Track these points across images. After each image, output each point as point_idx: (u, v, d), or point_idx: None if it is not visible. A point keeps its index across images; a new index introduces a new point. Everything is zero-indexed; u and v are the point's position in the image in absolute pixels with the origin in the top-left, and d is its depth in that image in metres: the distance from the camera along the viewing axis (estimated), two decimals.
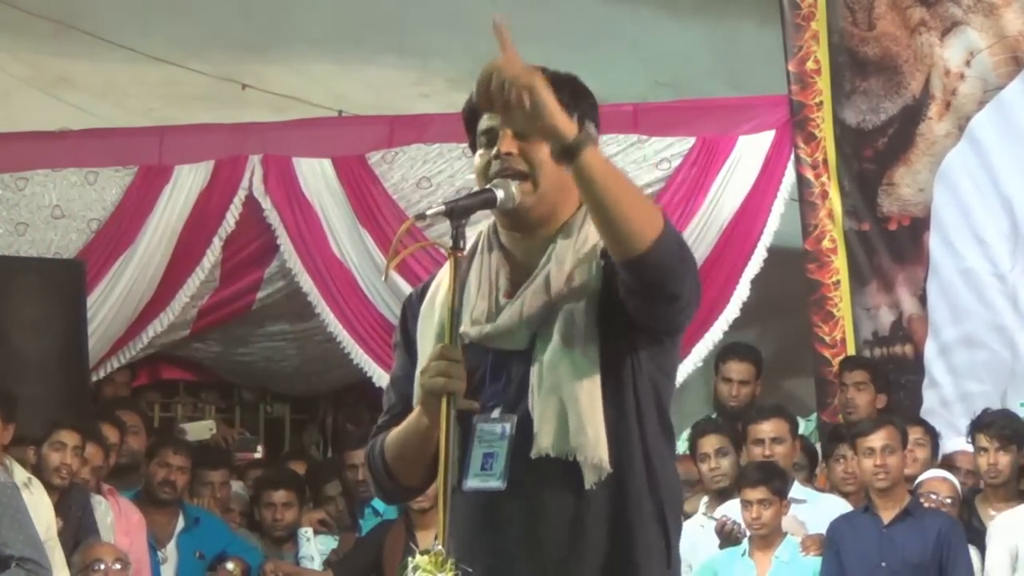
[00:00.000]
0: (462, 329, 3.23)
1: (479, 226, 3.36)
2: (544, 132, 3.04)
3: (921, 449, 7.41)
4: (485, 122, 3.27)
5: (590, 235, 3.23)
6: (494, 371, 3.26)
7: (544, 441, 3.17)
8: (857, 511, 7.05)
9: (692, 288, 3.15)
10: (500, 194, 3.19)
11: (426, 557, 3.01)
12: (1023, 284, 8.11)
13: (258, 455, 9.49)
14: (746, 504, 6.88)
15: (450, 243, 3.16)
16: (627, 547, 3.19)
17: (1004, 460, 7.14)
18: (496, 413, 3.22)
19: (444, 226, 3.20)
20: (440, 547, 3.02)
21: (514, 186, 3.20)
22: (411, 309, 3.42)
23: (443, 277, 3.28)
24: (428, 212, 3.17)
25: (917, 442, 7.36)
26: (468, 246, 3.26)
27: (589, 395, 3.16)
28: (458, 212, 3.16)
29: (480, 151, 3.29)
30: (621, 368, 3.21)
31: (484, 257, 3.32)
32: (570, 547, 3.17)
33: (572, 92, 3.25)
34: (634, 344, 3.22)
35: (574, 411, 3.16)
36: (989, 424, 7.20)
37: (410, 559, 3.03)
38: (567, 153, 3.03)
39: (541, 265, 3.24)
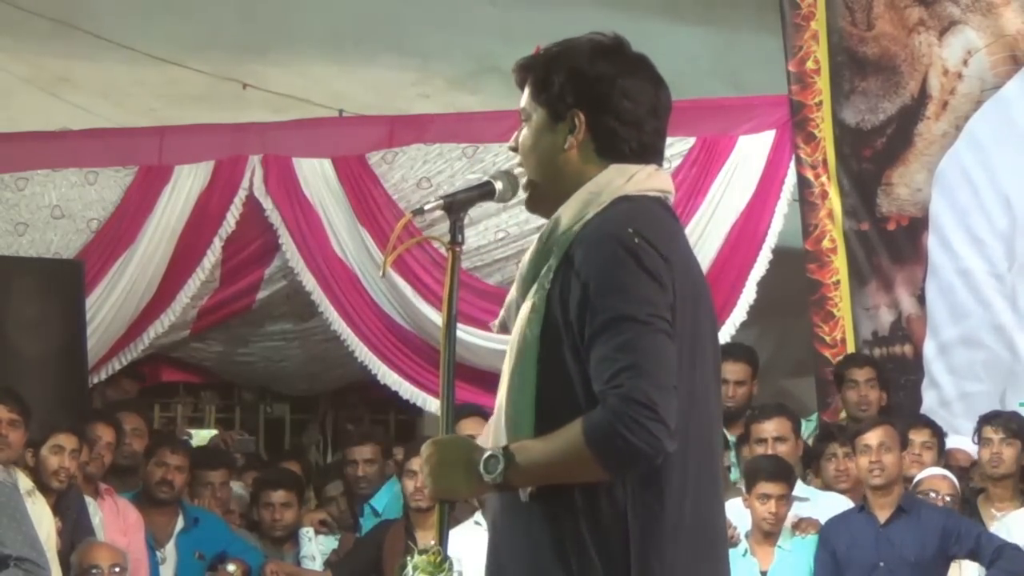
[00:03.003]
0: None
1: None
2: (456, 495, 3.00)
3: (928, 452, 7.39)
4: None
5: (562, 220, 2.96)
6: None
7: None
8: (852, 511, 7.00)
9: (660, 406, 2.78)
10: (499, 185, 3.09)
11: (424, 557, 2.94)
12: (1021, 283, 8.12)
13: None
14: (765, 498, 6.80)
15: (448, 238, 3.08)
16: (567, 569, 2.89)
17: (1008, 452, 7.20)
18: None
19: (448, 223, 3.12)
20: (438, 546, 2.96)
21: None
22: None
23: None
24: (426, 206, 3.10)
25: (925, 444, 7.37)
26: None
27: (516, 403, 2.90)
28: (456, 206, 3.08)
29: None
30: (563, 376, 2.88)
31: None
32: (511, 560, 2.97)
33: (560, 70, 3.15)
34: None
35: (503, 420, 2.92)
36: (996, 416, 7.34)
37: (408, 559, 2.96)
38: (502, 488, 2.89)
39: None
